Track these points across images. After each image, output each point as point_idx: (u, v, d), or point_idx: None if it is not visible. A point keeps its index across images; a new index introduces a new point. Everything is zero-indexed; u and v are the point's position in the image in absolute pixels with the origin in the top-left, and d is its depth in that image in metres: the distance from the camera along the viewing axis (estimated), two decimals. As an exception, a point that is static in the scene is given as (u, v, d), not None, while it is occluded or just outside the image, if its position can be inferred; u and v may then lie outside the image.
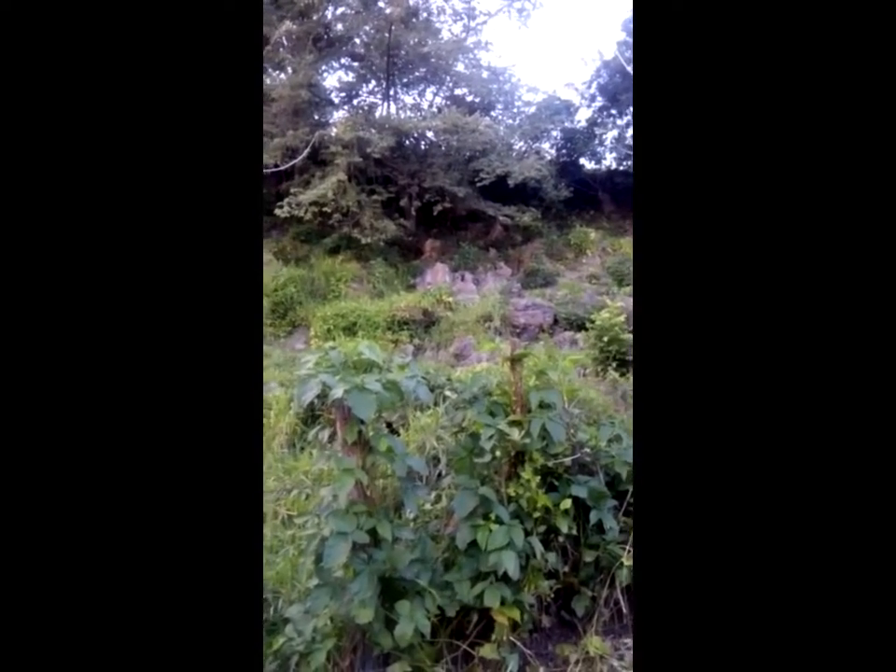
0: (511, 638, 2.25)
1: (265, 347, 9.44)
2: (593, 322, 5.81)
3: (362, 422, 2.35)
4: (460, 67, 13.72)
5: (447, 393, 4.43)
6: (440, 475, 3.69)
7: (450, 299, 10.38)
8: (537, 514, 2.31)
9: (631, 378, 4.63)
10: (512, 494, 2.35)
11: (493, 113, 14.59)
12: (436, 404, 4.26)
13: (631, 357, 5.19)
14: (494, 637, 2.24)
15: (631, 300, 8.40)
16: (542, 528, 2.31)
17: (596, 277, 11.73)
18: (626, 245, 12.88)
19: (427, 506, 2.90)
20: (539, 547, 2.22)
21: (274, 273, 10.87)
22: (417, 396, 2.39)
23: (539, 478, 2.32)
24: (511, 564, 2.10)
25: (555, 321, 9.57)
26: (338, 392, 2.18)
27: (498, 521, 2.22)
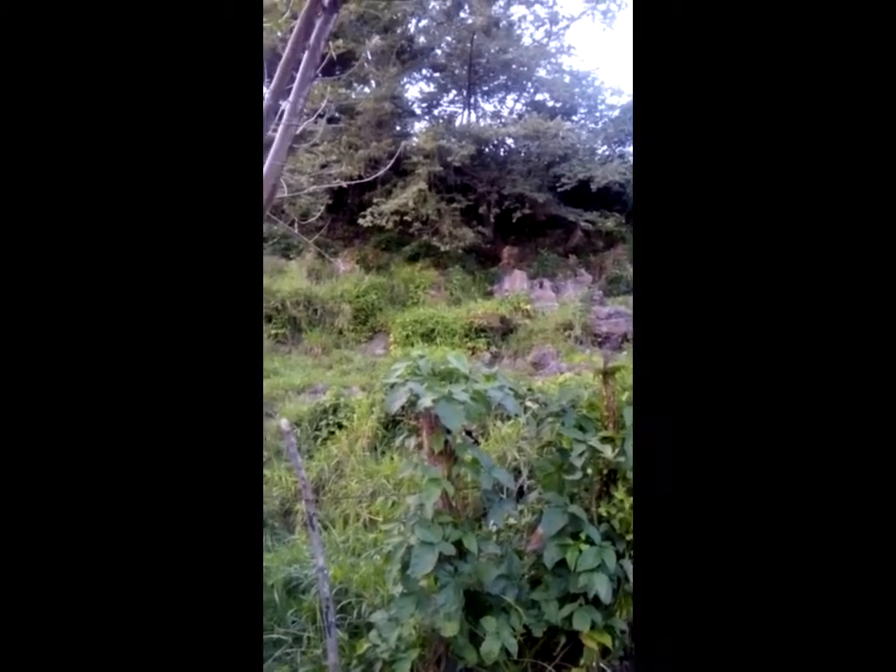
0: (601, 664, 2.15)
1: (347, 352, 9.75)
2: (683, 332, 5.51)
3: (448, 431, 2.35)
4: (542, 73, 13.59)
5: (528, 403, 4.35)
6: (521, 488, 3.62)
7: (528, 306, 10.25)
8: (630, 537, 2.19)
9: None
10: (604, 514, 2.25)
11: (575, 117, 14.32)
12: (517, 415, 4.19)
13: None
14: (582, 661, 2.15)
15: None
16: (636, 552, 2.19)
17: (684, 285, 11.15)
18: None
19: (510, 520, 2.84)
20: (632, 571, 2.11)
21: (357, 280, 11.22)
22: (504, 407, 2.36)
23: (633, 499, 2.20)
24: (602, 587, 2.01)
25: (639, 330, 9.18)
26: (426, 401, 2.18)
27: (589, 541, 2.13)
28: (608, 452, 2.22)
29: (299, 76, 2.43)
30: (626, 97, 14.13)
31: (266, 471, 5.27)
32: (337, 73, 8.45)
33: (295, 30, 2.24)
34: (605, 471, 2.34)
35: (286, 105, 2.43)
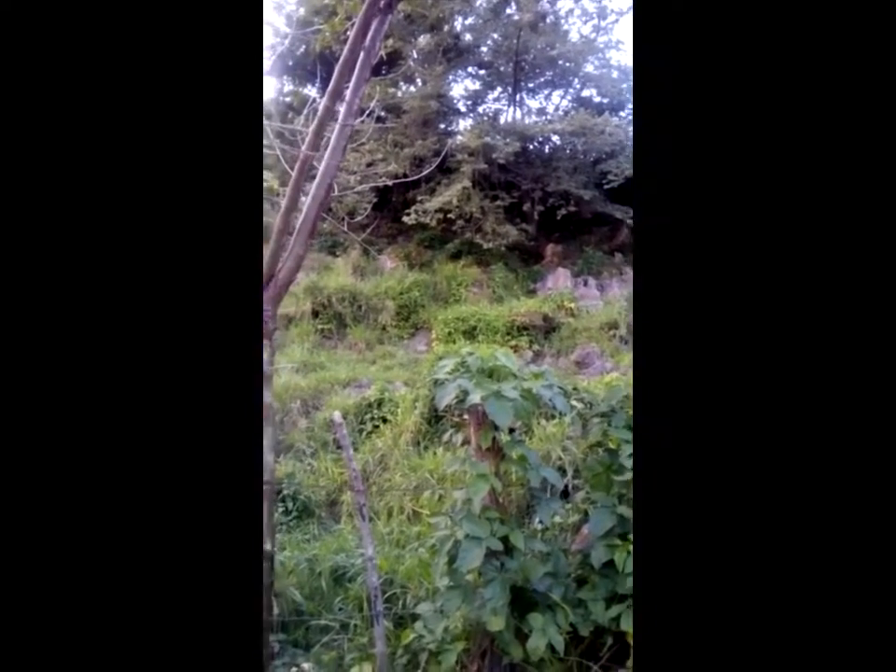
0: (649, 669, 2.13)
1: (390, 348, 9.88)
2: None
3: (497, 428, 2.36)
4: (589, 68, 13.35)
5: (573, 402, 4.33)
6: (566, 488, 3.60)
7: (571, 304, 10.12)
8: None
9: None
10: (654, 515, 2.22)
11: (622, 113, 14.01)
12: (563, 414, 4.17)
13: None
14: (629, 663, 2.13)
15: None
16: (687, 555, 2.15)
17: (735, 284, 10.78)
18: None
19: (556, 519, 2.83)
20: (682, 575, 2.07)
21: (400, 277, 11.34)
22: (553, 405, 2.35)
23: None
24: (651, 589, 1.98)
25: (687, 331, 8.94)
26: (475, 397, 2.20)
27: (638, 542, 2.10)
28: (659, 453, 2.19)
29: (354, 76, 2.48)
30: (677, 91, 13.74)
31: (313, 462, 5.41)
32: (384, 72, 8.56)
33: (353, 31, 2.29)
34: (655, 473, 2.30)
35: (342, 106, 2.49)
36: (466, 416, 2.57)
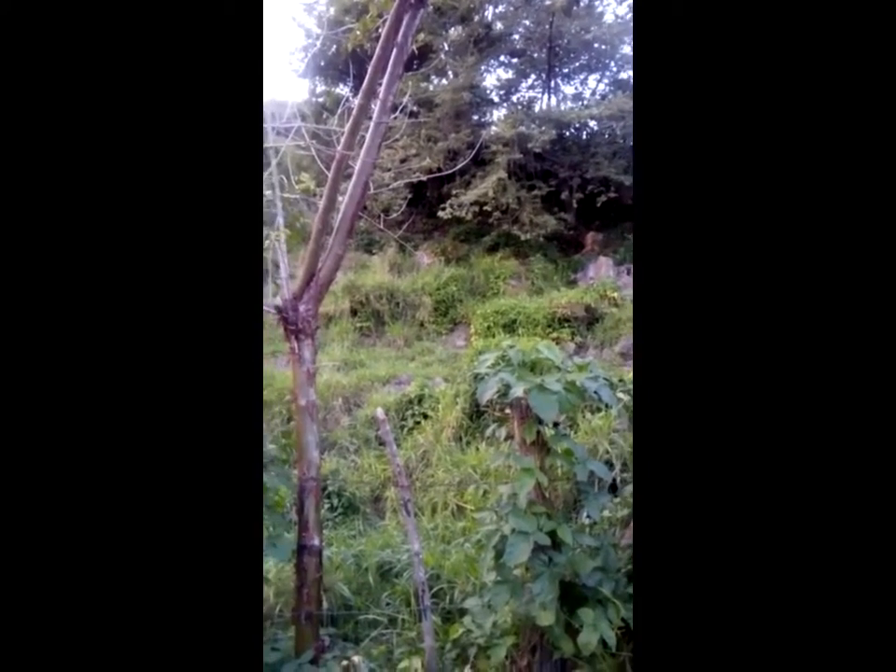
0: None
1: (429, 344, 9.92)
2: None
3: (540, 422, 2.32)
4: (626, 49, 12.98)
5: (619, 395, 4.23)
6: (614, 481, 3.52)
7: (615, 294, 9.90)
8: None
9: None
10: (708, 509, 2.14)
11: (661, 94, 13.59)
12: (609, 406, 4.08)
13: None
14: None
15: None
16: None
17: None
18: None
19: (605, 513, 2.78)
20: (740, 571, 1.99)
21: (437, 272, 11.35)
22: (600, 397, 2.30)
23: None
24: (707, 586, 1.92)
25: (736, 317, 8.61)
26: (518, 391, 2.17)
27: (692, 538, 2.04)
28: (711, 445, 2.11)
29: (388, 73, 2.47)
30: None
31: (356, 459, 5.49)
32: (415, 67, 8.54)
33: (385, 28, 2.28)
34: (708, 465, 2.22)
35: (376, 103, 2.49)
36: (508, 411, 2.54)
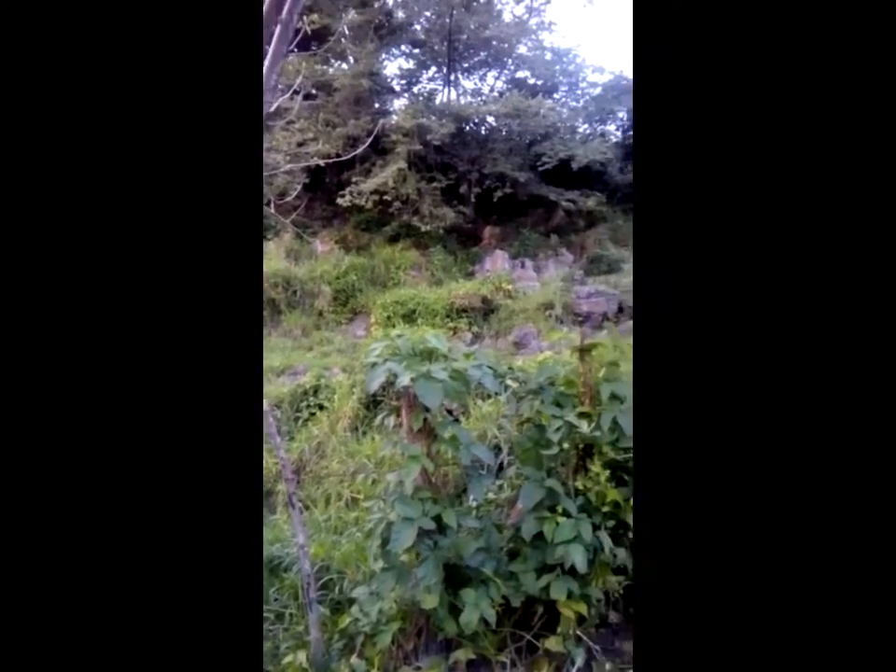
0: (578, 632, 2.22)
1: (327, 333, 9.70)
2: (660, 311, 5.59)
3: (427, 410, 2.36)
4: (522, 50, 13.42)
5: (509, 382, 4.40)
6: (501, 465, 3.67)
7: (509, 286, 10.27)
8: (606, 509, 2.24)
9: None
10: (580, 487, 2.30)
11: (556, 95, 14.21)
12: (497, 393, 4.23)
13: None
14: (559, 629, 2.21)
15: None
16: (611, 523, 2.25)
17: (663, 264, 11.25)
18: (696, 230, 12.26)
19: (490, 495, 2.89)
20: (607, 542, 2.16)
21: (336, 261, 11.12)
22: (483, 385, 2.38)
23: (608, 472, 2.25)
24: (578, 557, 2.06)
25: (620, 309, 9.28)
26: (405, 380, 2.19)
27: (566, 514, 2.17)
28: (584, 427, 2.26)
29: (271, 51, 2.36)
30: (608, 75, 14.07)
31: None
32: (313, 48, 8.25)
33: (266, 4, 2.17)
34: (581, 446, 2.38)
35: (258, 80, 2.37)
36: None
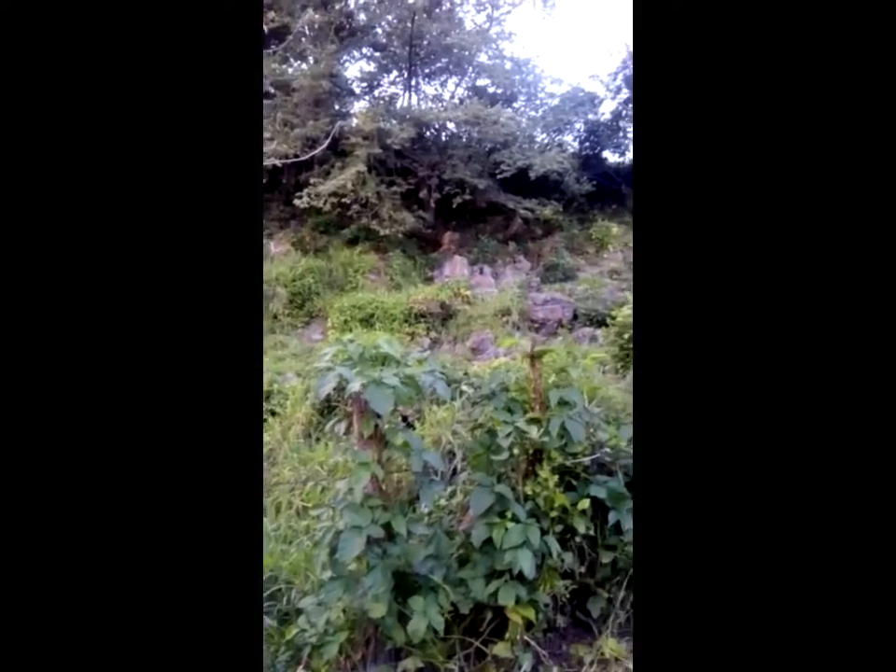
0: (526, 638, 2.23)
1: (283, 337, 9.51)
2: (613, 318, 5.73)
3: (379, 416, 2.34)
4: (483, 58, 13.59)
5: (464, 388, 4.41)
6: (455, 470, 3.67)
7: (468, 292, 10.33)
8: (554, 514, 2.27)
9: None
10: (529, 492, 2.32)
11: (515, 104, 14.43)
12: (453, 399, 4.23)
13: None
14: (507, 635, 2.22)
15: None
16: (559, 528, 2.28)
17: (618, 273, 11.57)
18: (648, 240, 12.67)
19: (443, 501, 2.88)
20: (555, 546, 2.19)
21: (293, 263, 10.93)
22: (435, 391, 2.37)
23: (556, 477, 2.28)
24: (526, 563, 2.07)
25: (575, 316, 9.47)
26: (355, 386, 2.16)
27: (515, 519, 2.19)
28: (533, 432, 2.28)
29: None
30: (566, 86, 14.41)
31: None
32: (272, 47, 8.12)
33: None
34: (531, 451, 2.40)
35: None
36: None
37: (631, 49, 13.64)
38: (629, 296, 6.78)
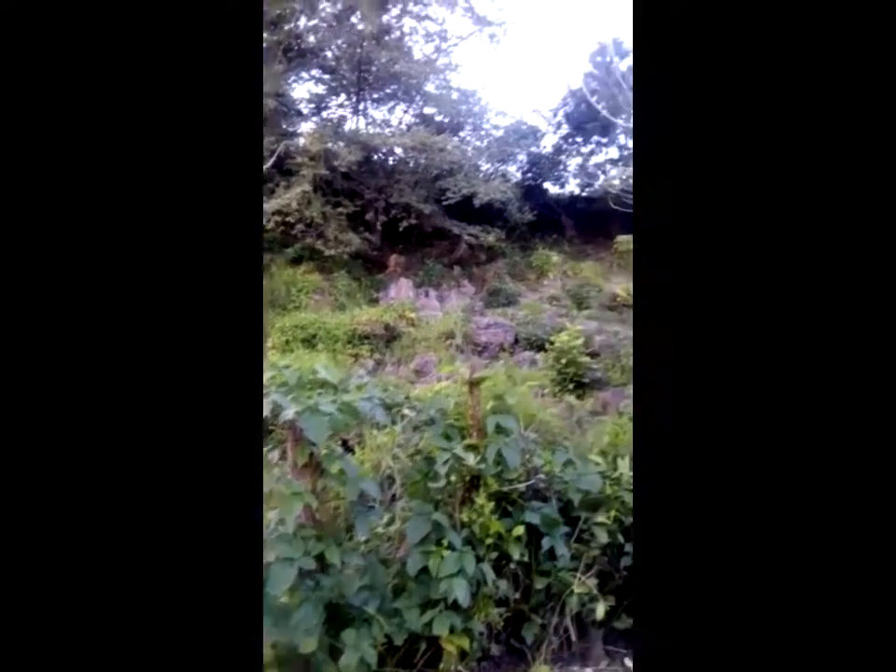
0: (460, 668, 2.22)
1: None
2: (552, 343, 5.89)
3: (314, 444, 2.30)
4: (430, 87, 13.88)
5: (406, 411, 4.38)
6: (394, 497, 3.63)
7: (412, 314, 10.35)
8: (489, 541, 2.29)
9: (587, 401, 4.69)
10: (466, 520, 2.33)
11: (461, 134, 14.78)
12: (394, 423, 4.20)
13: (587, 380, 5.28)
14: (442, 665, 2.20)
15: (589, 324, 8.57)
16: (494, 555, 2.29)
17: (557, 299, 11.93)
18: (587, 269, 13.17)
19: (380, 529, 2.84)
20: (490, 574, 2.20)
21: (233, 281, 10.62)
22: (374, 417, 2.36)
23: (492, 504, 2.31)
24: (461, 591, 2.07)
25: (516, 340, 9.66)
26: (289, 413, 2.12)
27: (450, 547, 2.19)
28: (470, 459, 2.31)
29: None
30: (510, 118, 14.90)
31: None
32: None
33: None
34: (468, 478, 2.42)
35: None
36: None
37: (571, 87, 14.33)
38: (567, 322, 7.00)
